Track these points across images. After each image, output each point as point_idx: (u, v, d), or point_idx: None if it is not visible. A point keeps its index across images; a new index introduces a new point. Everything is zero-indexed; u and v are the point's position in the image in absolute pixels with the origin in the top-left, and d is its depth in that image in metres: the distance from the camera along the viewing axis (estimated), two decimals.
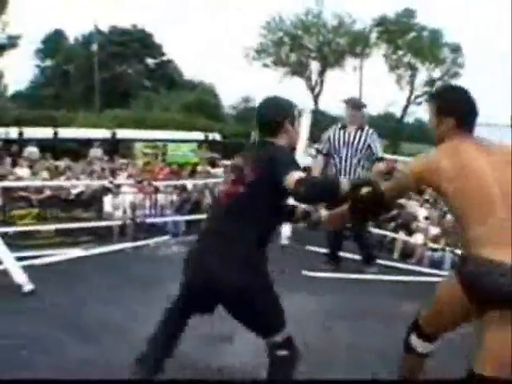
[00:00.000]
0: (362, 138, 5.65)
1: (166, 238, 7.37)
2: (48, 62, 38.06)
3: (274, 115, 2.79)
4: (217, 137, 19.85)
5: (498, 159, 2.53)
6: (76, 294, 4.79)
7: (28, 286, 4.90)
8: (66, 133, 17.22)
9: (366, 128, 5.74)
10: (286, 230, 7.33)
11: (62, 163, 11.29)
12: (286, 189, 2.54)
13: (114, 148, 16.67)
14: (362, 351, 3.21)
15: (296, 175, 2.51)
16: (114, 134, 17.59)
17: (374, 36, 33.66)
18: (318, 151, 6.07)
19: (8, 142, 14.96)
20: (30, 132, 15.78)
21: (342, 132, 5.74)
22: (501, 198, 2.42)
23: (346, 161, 5.64)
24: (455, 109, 2.64)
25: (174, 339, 2.88)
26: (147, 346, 2.83)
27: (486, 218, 2.40)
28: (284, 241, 7.20)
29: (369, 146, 5.65)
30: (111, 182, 8.55)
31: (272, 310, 2.74)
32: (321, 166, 5.92)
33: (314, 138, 7.99)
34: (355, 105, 5.88)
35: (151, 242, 7.00)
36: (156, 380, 2.83)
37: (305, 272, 5.50)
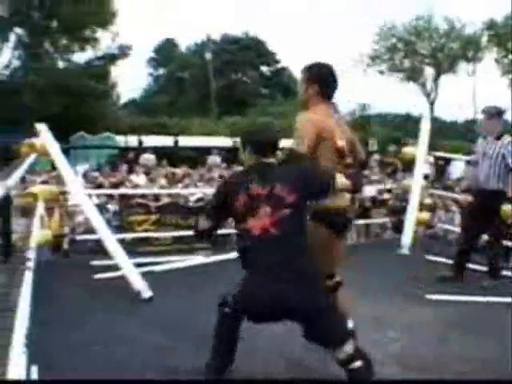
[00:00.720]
0: (497, 148, 5.67)
1: None
2: (161, 71, 39.62)
3: (276, 139, 3.35)
4: None
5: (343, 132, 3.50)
6: (192, 302, 4.83)
7: (147, 293, 4.96)
8: (186, 141, 17.65)
9: (505, 137, 5.72)
10: (405, 239, 7.08)
11: (179, 170, 11.47)
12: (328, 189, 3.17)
13: (232, 155, 16.85)
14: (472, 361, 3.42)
15: (341, 176, 3.19)
16: (235, 142, 17.82)
17: (484, 40, 33.09)
18: (468, 162, 6.43)
19: (125, 148, 15.53)
20: (150, 140, 16.31)
21: (484, 142, 5.84)
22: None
23: (481, 171, 5.75)
24: (320, 78, 3.50)
25: (236, 342, 3.15)
26: (213, 350, 3.13)
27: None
28: (404, 250, 7.11)
29: (503, 155, 5.61)
30: None
31: (335, 322, 2.98)
32: (469, 177, 6.24)
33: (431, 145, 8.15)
34: (488, 113, 5.85)
35: None
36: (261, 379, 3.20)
37: (428, 296, 5.21)
